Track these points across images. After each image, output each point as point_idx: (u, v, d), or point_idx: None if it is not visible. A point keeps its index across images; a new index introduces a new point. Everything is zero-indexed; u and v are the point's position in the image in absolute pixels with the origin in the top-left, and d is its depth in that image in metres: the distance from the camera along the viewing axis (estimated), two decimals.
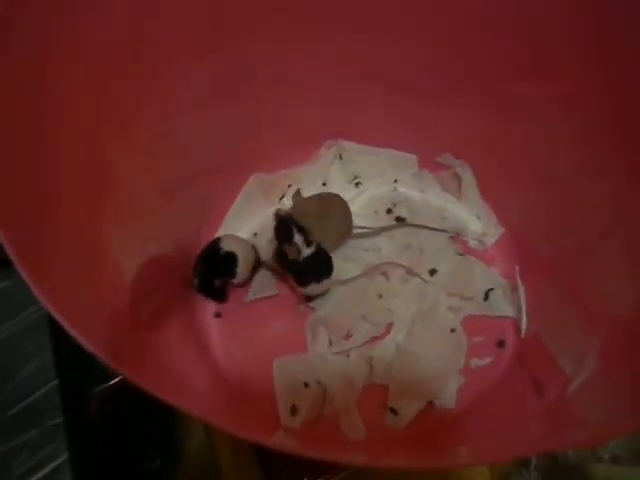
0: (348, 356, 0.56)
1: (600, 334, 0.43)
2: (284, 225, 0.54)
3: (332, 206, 0.60)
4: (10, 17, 0.33)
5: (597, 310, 0.46)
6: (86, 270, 0.36)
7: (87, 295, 0.35)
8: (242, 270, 0.57)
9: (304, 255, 0.54)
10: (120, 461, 0.51)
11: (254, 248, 0.59)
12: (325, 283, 0.56)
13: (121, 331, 0.36)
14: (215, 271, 0.56)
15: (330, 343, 0.56)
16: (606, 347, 0.41)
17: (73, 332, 0.27)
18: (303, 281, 0.55)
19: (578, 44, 0.43)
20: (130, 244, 0.44)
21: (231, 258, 0.56)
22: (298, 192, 0.60)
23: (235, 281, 0.58)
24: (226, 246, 0.56)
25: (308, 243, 0.54)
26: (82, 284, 0.35)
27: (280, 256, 0.56)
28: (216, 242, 0.57)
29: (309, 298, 0.58)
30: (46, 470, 0.47)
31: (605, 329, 0.43)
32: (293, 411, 0.52)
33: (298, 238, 0.53)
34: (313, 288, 0.56)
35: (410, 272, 0.60)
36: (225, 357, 0.56)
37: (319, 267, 0.55)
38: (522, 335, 0.55)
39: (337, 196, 0.61)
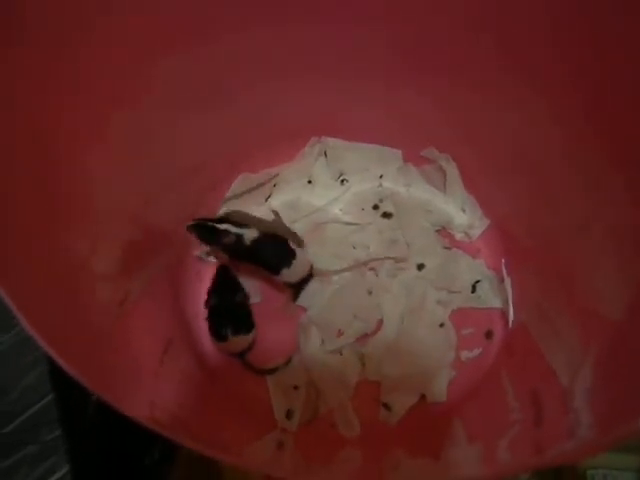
0: (340, 354, 0.57)
1: (594, 337, 0.40)
2: (203, 230, 0.52)
3: None
4: None
5: (588, 308, 0.44)
6: (58, 280, 0.35)
7: (62, 309, 0.34)
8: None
9: (249, 237, 0.52)
10: (120, 459, 0.51)
11: None
12: (296, 266, 0.55)
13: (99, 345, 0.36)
14: (225, 321, 0.54)
15: (322, 342, 0.57)
16: (602, 353, 0.39)
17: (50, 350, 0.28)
18: (274, 267, 0.55)
19: (561, 33, 0.42)
20: (110, 254, 0.44)
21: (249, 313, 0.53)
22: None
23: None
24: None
25: (239, 225, 0.53)
26: (55, 295, 0.34)
27: (233, 253, 0.54)
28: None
29: (295, 294, 0.58)
30: None
31: (599, 330, 0.40)
32: (288, 415, 0.53)
33: (226, 226, 0.52)
34: (286, 273, 0.55)
35: (399, 261, 0.60)
36: (220, 363, 0.56)
37: (279, 248, 0.54)
38: (510, 325, 0.56)
39: None
